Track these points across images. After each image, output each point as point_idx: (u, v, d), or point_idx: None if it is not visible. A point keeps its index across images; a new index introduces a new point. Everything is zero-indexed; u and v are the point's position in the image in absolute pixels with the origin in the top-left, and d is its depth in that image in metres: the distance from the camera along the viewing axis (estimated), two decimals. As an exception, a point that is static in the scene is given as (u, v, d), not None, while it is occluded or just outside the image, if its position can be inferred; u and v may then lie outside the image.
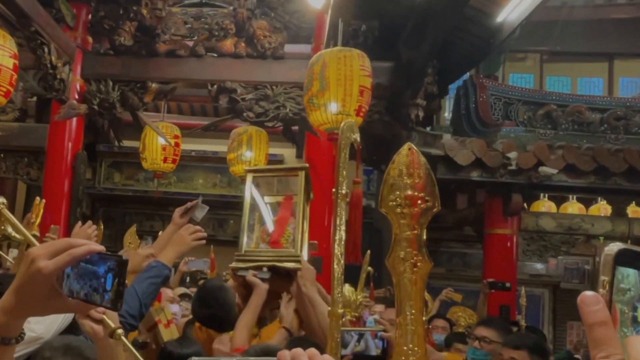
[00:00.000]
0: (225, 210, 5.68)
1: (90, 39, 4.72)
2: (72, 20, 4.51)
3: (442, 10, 3.35)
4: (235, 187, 5.59)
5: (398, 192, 1.00)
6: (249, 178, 2.14)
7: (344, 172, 1.53)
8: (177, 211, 2.31)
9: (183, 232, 2.06)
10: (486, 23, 4.03)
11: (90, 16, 4.68)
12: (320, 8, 3.88)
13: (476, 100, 4.72)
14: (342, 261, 1.36)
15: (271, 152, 4.79)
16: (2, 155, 5.65)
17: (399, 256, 0.97)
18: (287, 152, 5.76)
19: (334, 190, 1.51)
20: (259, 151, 4.58)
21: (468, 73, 5.25)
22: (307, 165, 2.26)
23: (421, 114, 4.16)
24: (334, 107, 3.19)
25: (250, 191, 2.11)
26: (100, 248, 0.74)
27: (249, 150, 4.57)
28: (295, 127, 4.74)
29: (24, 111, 5.59)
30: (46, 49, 4.21)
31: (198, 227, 2.11)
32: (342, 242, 1.44)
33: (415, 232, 0.96)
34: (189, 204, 2.35)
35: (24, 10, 3.74)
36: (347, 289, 2.91)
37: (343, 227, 1.46)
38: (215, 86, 4.51)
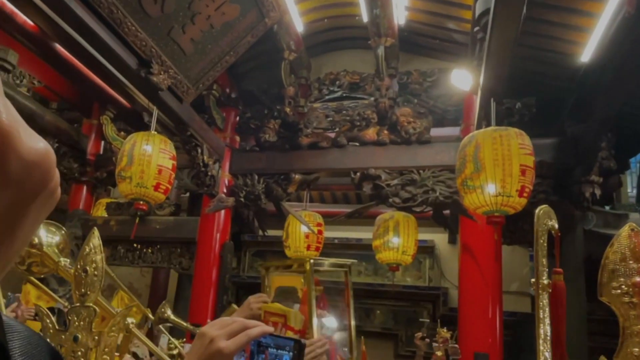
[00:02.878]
0: (372, 300, 5.70)
1: (237, 138, 5.32)
2: (222, 123, 5.15)
3: (611, 82, 3.17)
4: (382, 275, 5.62)
5: (622, 279, 0.92)
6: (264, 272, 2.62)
7: (544, 261, 1.50)
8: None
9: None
10: (672, 88, 3.70)
11: (237, 118, 5.29)
12: (469, 90, 3.92)
13: (667, 174, 4.26)
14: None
15: (421, 238, 4.77)
16: (158, 246, 6.37)
17: (633, 353, 0.88)
18: (439, 238, 5.68)
19: (533, 280, 1.48)
20: (407, 237, 4.61)
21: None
22: (310, 260, 2.61)
23: (597, 192, 3.87)
24: (491, 188, 3.20)
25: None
26: (272, 329, 0.82)
27: (396, 236, 4.62)
28: (447, 211, 4.70)
29: (178, 206, 6.32)
30: (199, 150, 4.82)
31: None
32: (548, 339, 1.37)
33: (652, 325, 0.87)
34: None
35: (182, 118, 4.35)
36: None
37: (547, 322, 1.41)
38: (358, 174, 4.70)
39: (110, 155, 5.56)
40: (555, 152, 3.98)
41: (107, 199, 6.40)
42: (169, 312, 3.13)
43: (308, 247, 5.04)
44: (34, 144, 0.32)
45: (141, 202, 3.85)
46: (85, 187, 5.88)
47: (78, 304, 1.40)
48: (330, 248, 5.60)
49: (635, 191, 5.21)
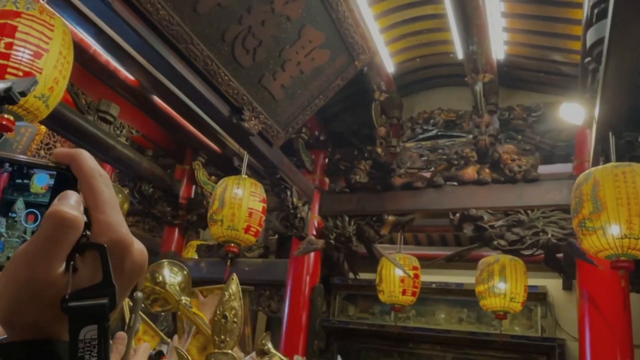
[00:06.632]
0: (476, 350, 5.47)
1: (327, 180, 5.45)
2: (311, 165, 5.30)
3: None
4: (486, 324, 5.39)
5: None
6: None
7: None
8: None
9: None
10: None
11: (326, 160, 5.43)
12: (581, 124, 3.77)
13: None
14: None
15: (531, 284, 4.57)
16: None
17: None
18: (552, 283, 5.39)
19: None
20: (515, 282, 4.45)
21: None
22: None
23: None
24: (615, 230, 3.08)
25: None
26: None
27: (502, 281, 4.47)
28: (561, 255, 4.48)
29: (266, 248, 6.52)
30: (288, 192, 4.97)
31: None
32: None
33: None
34: None
35: (271, 162, 4.53)
36: None
37: None
38: (457, 214, 4.62)
39: (201, 199, 5.86)
40: (690, 188, 3.69)
41: (198, 241, 6.73)
42: (269, 345, 3.21)
43: (404, 292, 4.98)
44: (139, 247, 0.48)
45: (232, 245, 4.04)
46: (177, 230, 6.23)
47: (217, 351, 1.46)
48: (427, 293, 5.48)
49: None
